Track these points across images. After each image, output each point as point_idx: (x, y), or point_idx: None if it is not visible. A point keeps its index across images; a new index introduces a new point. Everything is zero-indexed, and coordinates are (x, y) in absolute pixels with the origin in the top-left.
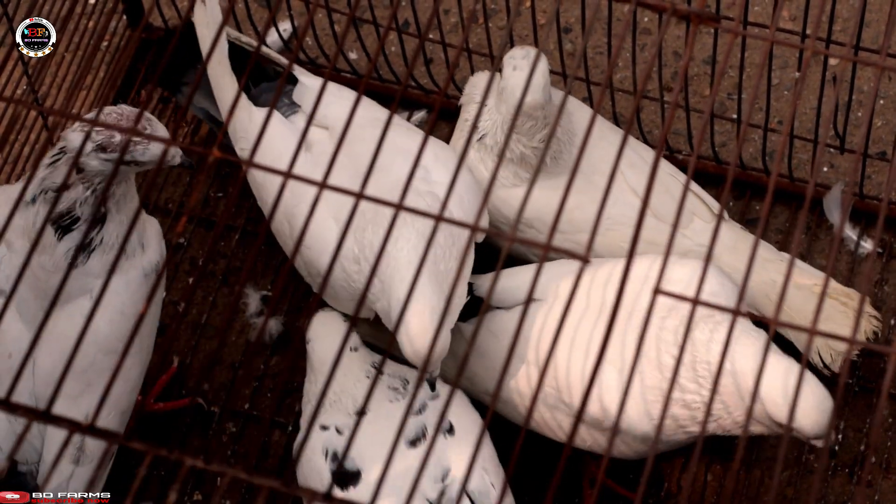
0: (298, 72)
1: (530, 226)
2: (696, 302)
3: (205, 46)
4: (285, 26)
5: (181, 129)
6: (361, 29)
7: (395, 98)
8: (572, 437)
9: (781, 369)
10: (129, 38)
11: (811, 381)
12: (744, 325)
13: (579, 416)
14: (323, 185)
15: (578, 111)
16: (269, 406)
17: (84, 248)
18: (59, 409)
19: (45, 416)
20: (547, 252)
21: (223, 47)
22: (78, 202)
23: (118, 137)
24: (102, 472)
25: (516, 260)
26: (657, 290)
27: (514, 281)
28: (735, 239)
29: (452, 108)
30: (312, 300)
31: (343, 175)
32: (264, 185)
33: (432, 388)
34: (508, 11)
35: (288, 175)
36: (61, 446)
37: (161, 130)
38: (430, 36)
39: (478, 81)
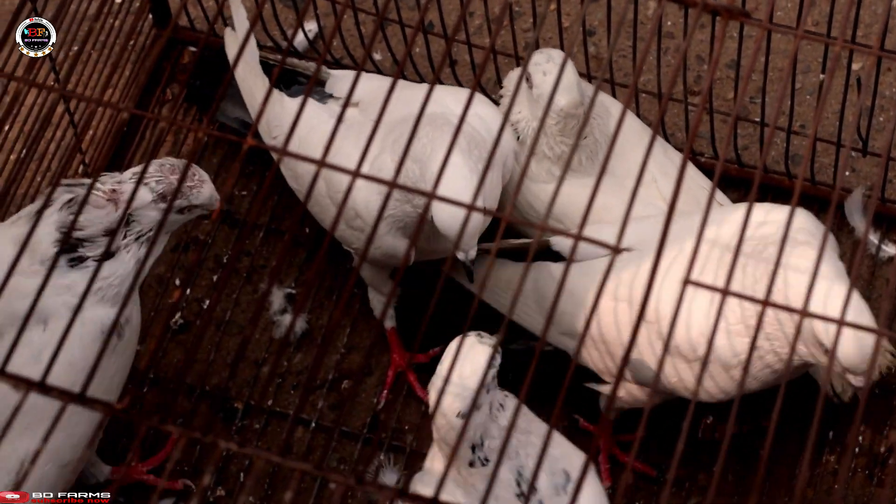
0: (327, 71)
1: (559, 221)
2: (725, 292)
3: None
4: (311, 27)
5: (211, 126)
6: (387, 29)
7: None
8: (662, 362)
9: (828, 290)
10: (154, 36)
11: (861, 309)
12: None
13: (667, 344)
14: (356, 175)
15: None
16: (292, 403)
17: (75, 259)
18: None
19: (80, 398)
20: (577, 242)
21: (254, 53)
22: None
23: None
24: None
25: None
26: (687, 281)
27: (599, 234)
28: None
29: None
30: (345, 289)
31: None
32: (302, 162)
33: (469, 274)
34: (535, 14)
35: (322, 164)
36: (92, 434)
37: (205, 175)
38: (456, 37)
39: (515, 77)
